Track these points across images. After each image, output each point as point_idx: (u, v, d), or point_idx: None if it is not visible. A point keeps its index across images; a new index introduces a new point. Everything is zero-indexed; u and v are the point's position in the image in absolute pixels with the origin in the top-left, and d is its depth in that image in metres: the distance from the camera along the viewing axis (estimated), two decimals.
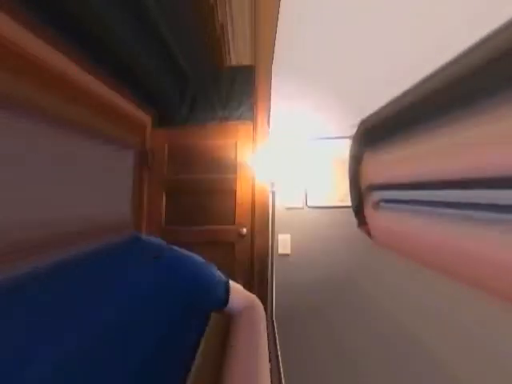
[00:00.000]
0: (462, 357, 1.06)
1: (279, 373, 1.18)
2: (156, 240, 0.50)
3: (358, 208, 0.25)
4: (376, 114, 0.22)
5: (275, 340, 1.24)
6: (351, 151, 0.25)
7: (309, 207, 1.37)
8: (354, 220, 0.28)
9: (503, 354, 1.00)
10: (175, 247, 0.52)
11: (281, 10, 1.36)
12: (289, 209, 1.39)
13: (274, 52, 1.46)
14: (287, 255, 1.36)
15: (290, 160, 1.40)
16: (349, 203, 0.29)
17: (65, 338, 0.29)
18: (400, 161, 0.18)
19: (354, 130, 0.25)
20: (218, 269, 0.58)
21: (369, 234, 0.25)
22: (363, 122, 0.24)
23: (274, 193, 1.37)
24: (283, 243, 1.37)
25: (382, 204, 0.21)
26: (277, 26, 1.40)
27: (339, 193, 1.33)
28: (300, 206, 1.38)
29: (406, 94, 0.19)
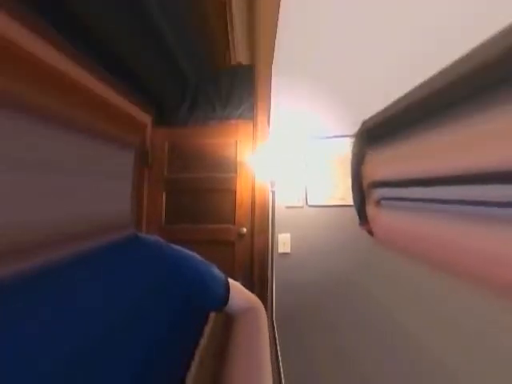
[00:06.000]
0: (464, 357, 1.06)
1: (279, 373, 1.18)
2: (155, 239, 0.50)
3: (360, 206, 0.25)
4: (379, 113, 0.22)
5: (275, 340, 1.24)
6: (353, 149, 0.25)
7: (309, 206, 1.37)
8: (354, 219, 0.28)
9: (506, 355, 1.00)
10: (175, 246, 0.52)
11: (281, 10, 1.36)
12: (289, 208, 1.39)
13: (274, 52, 1.46)
14: (287, 254, 1.36)
15: (289, 159, 1.40)
16: (349, 202, 0.29)
17: (64, 336, 0.29)
18: (402, 158, 0.18)
19: (356, 129, 0.25)
20: (218, 268, 0.57)
21: (370, 232, 0.25)
22: (366, 121, 0.24)
23: (274, 192, 1.36)
24: (283, 242, 1.37)
25: (383, 202, 0.21)
26: (277, 25, 1.40)
27: (339, 192, 1.33)
28: (300, 205, 1.38)
29: (407, 94, 0.19)
